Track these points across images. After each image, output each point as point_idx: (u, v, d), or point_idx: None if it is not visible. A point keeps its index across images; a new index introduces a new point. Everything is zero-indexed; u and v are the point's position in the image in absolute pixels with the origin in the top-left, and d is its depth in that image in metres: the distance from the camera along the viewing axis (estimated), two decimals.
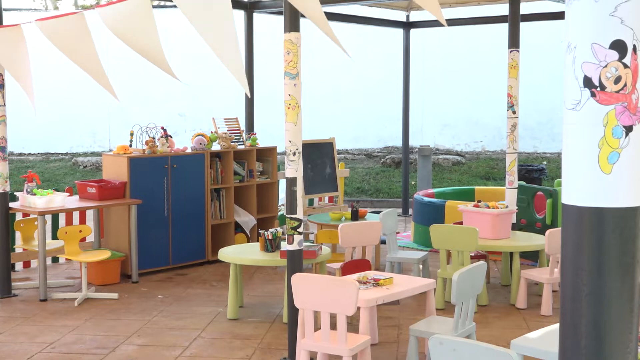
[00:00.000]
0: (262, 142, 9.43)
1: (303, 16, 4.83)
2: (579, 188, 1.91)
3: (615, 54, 1.85)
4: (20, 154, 17.96)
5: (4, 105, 7.09)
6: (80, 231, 7.19)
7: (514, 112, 7.74)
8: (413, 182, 13.88)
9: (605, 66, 1.86)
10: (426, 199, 9.75)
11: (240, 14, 10.02)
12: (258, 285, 7.63)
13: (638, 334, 2.00)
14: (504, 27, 8.05)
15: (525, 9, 8.51)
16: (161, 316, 6.55)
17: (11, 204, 7.39)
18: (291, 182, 5.16)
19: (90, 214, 8.72)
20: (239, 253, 6.55)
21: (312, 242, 7.67)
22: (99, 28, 4.94)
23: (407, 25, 12.23)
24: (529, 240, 7.14)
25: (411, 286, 5.32)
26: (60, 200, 7.36)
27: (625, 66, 1.86)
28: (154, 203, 8.00)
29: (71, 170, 16.45)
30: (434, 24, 12.32)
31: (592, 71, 1.87)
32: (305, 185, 8.81)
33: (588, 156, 1.89)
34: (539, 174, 11.15)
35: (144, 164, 7.97)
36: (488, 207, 7.27)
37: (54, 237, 8.26)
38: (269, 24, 12.70)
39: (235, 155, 8.84)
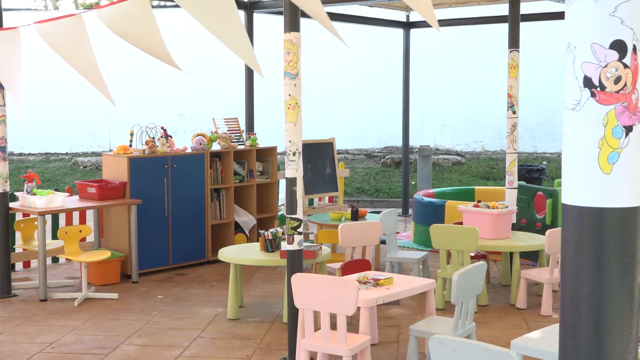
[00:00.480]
0: (262, 142, 9.43)
1: (304, 15, 4.83)
2: (579, 188, 1.91)
3: (615, 54, 1.85)
4: (20, 154, 17.96)
5: (4, 105, 7.09)
6: (80, 231, 7.19)
7: (514, 112, 7.74)
8: (413, 182, 13.88)
9: (605, 66, 1.86)
10: (426, 199, 9.75)
11: (240, 14, 10.02)
12: (258, 285, 7.63)
13: (638, 334, 2.00)
14: (504, 27, 8.05)
15: (525, 9, 8.51)
16: (161, 316, 6.55)
17: (11, 204, 7.39)
18: (291, 182, 5.16)
19: (90, 214, 8.72)
20: (239, 253, 6.55)
21: (312, 242, 7.67)
22: (98, 29, 4.94)
23: (407, 25, 12.23)
24: (529, 240, 7.14)
25: (411, 286, 5.32)
26: (60, 200, 7.36)
27: (625, 66, 1.86)
28: (154, 203, 8.00)
29: (71, 170, 16.45)
30: None
31: (592, 71, 1.87)
32: (305, 185, 8.81)
33: (588, 156, 1.89)
34: (539, 174, 11.15)
35: (144, 164, 7.97)
36: (488, 207, 7.27)
37: (54, 237, 8.26)
38: (269, 24, 12.70)
39: (235, 155, 8.84)
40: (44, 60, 15.61)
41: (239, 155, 8.95)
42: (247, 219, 8.89)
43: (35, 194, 7.27)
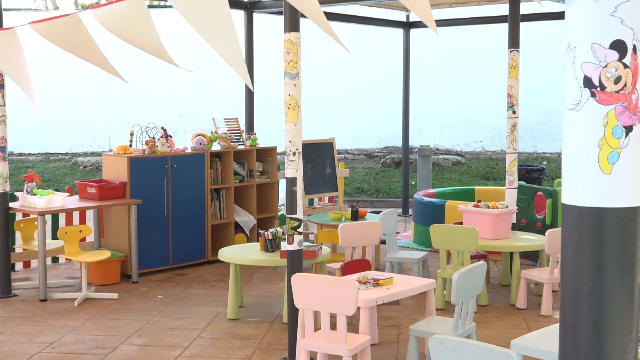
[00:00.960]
0: (262, 142, 9.43)
1: (304, 16, 4.83)
2: (579, 188, 1.91)
3: (615, 54, 1.85)
4: (20, 154, 17.96)
5: (4, 105, 7.09)
6: (80, 231, 7.19)
7: (514, 112, 7.74)
8: (413, 182, 13.88)
9: (605, 66, 1.86)
10: (426, 199, 9.75)
11: (240, 14, 10.02)
12: (258, 285, 7.63)
13: (638, 334, 2.00)
14: (504, 27, 8.05)
15: (525, 9, 8.51)
16: (161, 316, 6.55)
17: (11, 204, 7.39)
18: (291, 182, 5.16)
19: (90, 214, 8.72)
20: (239, 253, 6.55)
21: (312, 242, 7.67)
22: (97, 29, 4.94)
23: (407, 25, 12.23)
24: (529, 240, 7.14)
25: (411, 286, 5.32)
26: (60, 200, 7.36)
27: (625, 66, 1.86)
28: (154, 203, 8.00)
29: (71, 170, 16.45)
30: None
31: (592, 71, 1.87)
32: (305, 185, 8.81)
33: (588, 156, 1.89)
34: (539, 174, 11.15)
35: (144, 164, 7.97)
36: (488, 207, 7.27)
37: (54, 237, 8.26)
38: (269, 24, 12.71)
39: (235, 155, 8.84)
40: (44, 61, 15.62)
41: (239, 155, 8.95)
42: (247, 219, 8.89)
43: (35, 194, 7.27)
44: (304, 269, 5.30)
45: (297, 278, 4.62)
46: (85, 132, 18.22)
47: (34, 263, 8.43)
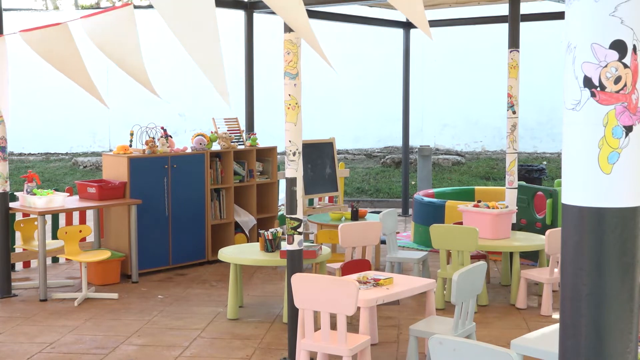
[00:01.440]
0: (262, 142, 9.43)
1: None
2: (579, 188, 1.91)
3: (615, 54, 1.85)
4: (20, 154, 17.96)
5: None
6: (80, 231, 7.19)
7: (514, 112, 7.73)
8: (413, 182, 13.88)
9: (605, 66, 1.86)
10: (426, 199, 9.75)
11: (240, 14, 10.02)
12: (258, 285, 7.63)
13: (638, 334, 2.00)
14: (504, 27, 8.05)
15: (525, 9, 8.51)
16: (161, 316, 6.55)
17: (11, 204, 7.39)
18: (291, 182, 5.16)
19: (90, 214, 8.72)
20: (239, 253, 6.55)
21: (312, 242, 7.67)
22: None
23: (407, 25, 12.23)
24: (529, 240, 7.14)
25: (411, 286, 5.32)
26: (60, 200, 7.36)
27: (625, 66, 1.86)
28: (154, 203, 8.00)
29: (71, 170, 16.45)
30: (434, 24, 12.31)
31: (592, 71, 1.87)
32: (305, 185, 8.81)
33: (588, 156, 1.89)
34: (539, 174, 11.14)
35: (144, 164, 7.97)
36: (488, 207, 7.27)
37: (54, 237, 8.26)
38: (269, 24, 12.70)
39: (235, 155, 8.84)
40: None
41: (239, 155, 8.95)
42: (247, 219, 8.89)
43: (35, 194, 7.27)
44: (304, 269, 5.30)
45: (297, 278, 4.62)
46: (85, 132, 18.22)
47: (34, 263, 8.43)
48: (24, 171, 13.77)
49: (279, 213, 9.33)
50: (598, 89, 1.87)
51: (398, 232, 10.05)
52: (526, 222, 8.43)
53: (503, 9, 8.98)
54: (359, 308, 4.90)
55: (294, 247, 5.19)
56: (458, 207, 7.55)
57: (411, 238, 9.92)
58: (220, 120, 9.02)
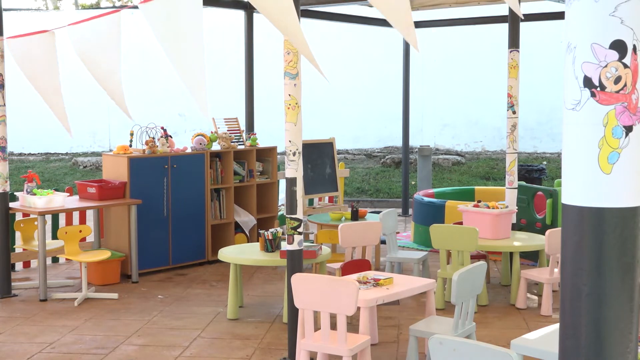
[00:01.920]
0: (262, 142, 9.43)
1: (304, 16, 4.82)
2: (579, 188, 1.91)
3: (615, 54, 1.85)
4: (20, 154, 17.96)
5: (4, 105, 7.09)
6: (80, 231, 7.19)
7: (514, 112, 7.73)
8: (413, 182, 13.88)
9: (605, 66, 1.86)
10: (426, 199, 9.75)
11: (240, 14, 10.02)
12: (258, 285, 7.63)
13: (638, 334, 2.00)
14: (504, 27, 8.05)
15: (525, 9, 8.51)
16: (161, 316, 6.55)
17: (11, 204, 7.39)
18: (291, 182, 5.16)
19: (90, 214, 8.72)
20: (239, 253, 6.55)
21: (312, 242, 7.67)
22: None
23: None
24: (529, 240, 7.14)
25: (411, 286, 5.32)
26: (60, 200, 7.36)
27: (625, 66, 1.86)
28: (154, 203, 8.00)
29: (71, 170, 16.45)
30: (434, 24, 12.32)
31: (592, 71, 1.87)
32: (305, 185, 8.81)
33: (588, 156, 1.89)
34: (539, 174, 11.14)
35: (144, 164, 7.97)
36: (488, 207, 7.27)
37: (54, 237, 8.26)
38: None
39: (235, 155, 8.84)
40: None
41: (239, 155, 8.95)
42: (247, 219, 8.89)
43: (35, 194, 7.27)
44: (304, 269, 5.30)
45: (297, 278, 4.62)
46: (85, 132, 18.21)
47: (34, 263, 8.43)
48: (24, 171, 13.77)
49: (279, 213, 9.33)
50: (598, 89, 1.87)
51: (398, 232, 10.05)
52: (526, 222, 8.43)
53: (503, 9, 8.99)
54: (359, 308, 4.90)
55: (294, 247, 5.19)
56: (458, 207, 7.55)
57: (411, 238, 9.92)
58: (220, 120, 9.02)
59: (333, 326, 4.72)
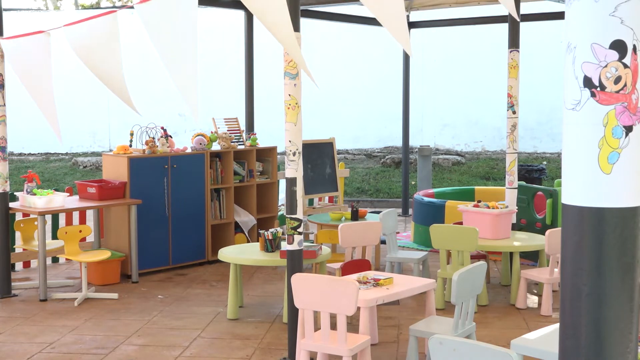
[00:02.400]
0: (262, 142, 9.43)
1: (304, 15, 4.82)
2: (579, 188, 1.91)
3: (615, 54, 1.85)
4: (20, 154, 17.96)
5: (4, 105, 7.09)
6: (80, 231, 7.19)
7: (514, 112, 7.73)
8: (413, 182, 13.88)
9: (605, 66, 1.86)
10: (426, 199, 9.75)
11: (240, 14, 10.02)
12: (258, 285, 7.63)
13: (638, 334, 2.00)
14: (504, 27, 8.05)
15: (525, 9, 8.52)
16: (161, 316, 6.55)
17: (11, 204, 7.39)
18: (291, 182, 5.16)
19: (90, 214, 8.72)
20: (239, 253, 6.55)
21: (312, 242, 7.67)
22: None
23: (407, 25, 12.22)
24: (529, 240, 7.14)
25: (411, 286, 5.32)
26: (60, 200, 7.36)
27: (625, 66, 1.86)
28: (154, 203, 8.00)
29: (71, 170, 16.45)
30: (434, 23, 12.33)
31: (592, 71, 1.87)
32: (305, 185, 8.81)
33: (588, 156, 1.89)
34: (539, 174, 11.14)
35: (144, 164, 7.97)
36: (488, 207, 7.27)
37: (54, 237, 8.26)
38: None
39: (235, 155, 8.84)
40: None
41: (239, 155, 8.95)
42: (247, 219, 8.89)
43: (35, 194, 7.27)
44: (304, 269, 5.30)
45: (297, 278, 4.62)
46: (85, 132, 18.22)
47: (34, 263, 8.43)
48: (24, 171, 13.78)
49: (279, 213, 9.33)
50: (598, 89, 1.87)
51: (398, 232, 10.05)
52: (526, 222, 8.43)
53: (503, 9, 8.98)
54: (359, 308, 4.90)
55: (294, 247, 5.19)
56: (458, 207, 7.55)
57: (411, 238, 9.92)
58: (220, 120, 9.02)
59: (333, 326, 4.72)
